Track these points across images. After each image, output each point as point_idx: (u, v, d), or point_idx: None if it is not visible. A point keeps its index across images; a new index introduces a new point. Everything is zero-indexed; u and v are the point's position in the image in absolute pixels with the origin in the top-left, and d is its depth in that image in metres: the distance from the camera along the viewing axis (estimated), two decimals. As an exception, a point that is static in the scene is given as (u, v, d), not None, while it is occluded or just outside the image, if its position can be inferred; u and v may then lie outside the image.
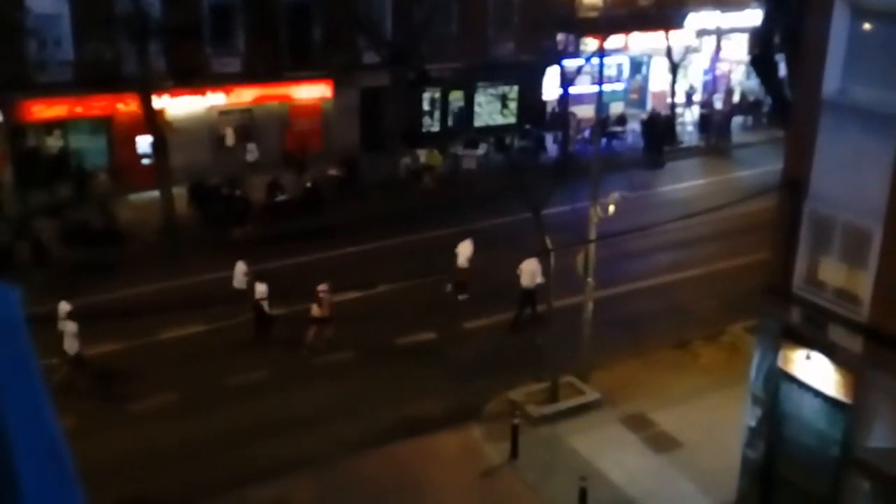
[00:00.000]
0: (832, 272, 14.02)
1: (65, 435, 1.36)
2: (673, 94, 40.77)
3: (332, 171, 33.51)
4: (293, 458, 17.51)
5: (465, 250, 24.43)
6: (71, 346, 19.45)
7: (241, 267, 23.15)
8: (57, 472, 1.30)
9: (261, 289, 21.88)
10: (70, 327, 19.40)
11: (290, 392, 19.96)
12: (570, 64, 36.55)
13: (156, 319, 21.92)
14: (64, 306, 20.20)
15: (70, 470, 1.34)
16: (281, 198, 31.16)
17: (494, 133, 38.64)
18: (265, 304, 21.79)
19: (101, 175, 31.72)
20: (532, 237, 19.97)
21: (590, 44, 36.64)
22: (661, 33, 39.17)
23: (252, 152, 34.00)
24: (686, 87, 43.59)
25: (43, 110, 30.54)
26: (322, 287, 21.24)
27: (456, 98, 39.48)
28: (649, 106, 42.92)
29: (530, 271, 22.81)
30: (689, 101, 43.42)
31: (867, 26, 13.33)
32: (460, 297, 24.14)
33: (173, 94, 31.89)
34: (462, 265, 24.34)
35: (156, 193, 29.64)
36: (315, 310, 21.58)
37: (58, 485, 1.29)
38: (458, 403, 19.54)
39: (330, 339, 21.60)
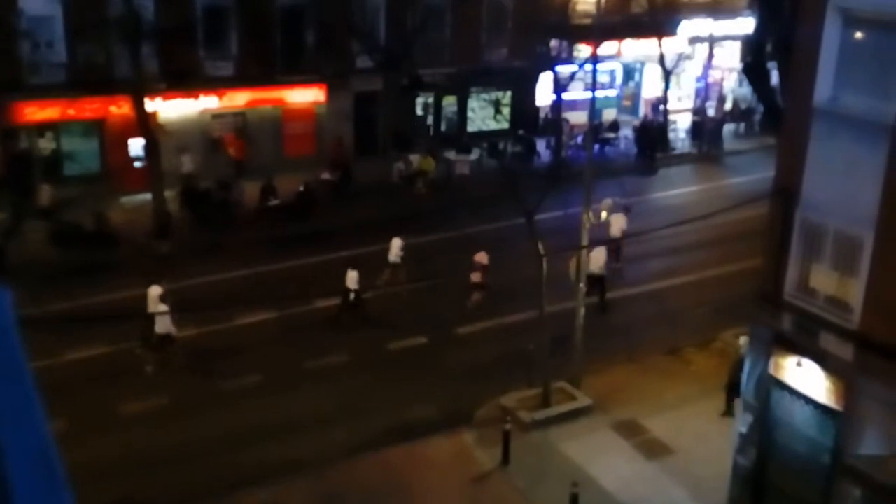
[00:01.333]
0: (823, 280, 14.06)
1: (55, 438, 1.35)
2: (665, 100, 40.88)
3: (325, 176, 33.49)
4: (285, 463, 17.48)
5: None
6: (162, 326, 20.52)
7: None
8: (47, 477, 1.29)
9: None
10: (163, 309, 20.58)
11: (283, 397, 19.91)
12: (564, 70, 36.63)
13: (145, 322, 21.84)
14: (155, 290, 21.28)
15: (60, 475, 1.33)
16: (274, 202, 31.12)
17: (487, 138, 38.68)
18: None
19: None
20: (525, 242, 19.97)
21: (583, 50, 36.75)
22: (654, 40, 39.29)
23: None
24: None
25: (35, 112, 30.47)
26: (479, 256, 23.98)
27: (449, 103, 39.52)
28: (642, 112, 43.02)
29: (597, 258, 23.46)
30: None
31: (859, 35, 13.39)
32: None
33: (166, 97, 31.86)
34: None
35: (148, 196, 29.59)
36: (474, 276, 23.94)
37: (48, 490, 1.28)
38: (450, 409, 19.52)
39: (479, 302, 23.90)
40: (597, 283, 23.83)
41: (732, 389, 18.87)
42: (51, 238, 27.74)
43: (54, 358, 19.85)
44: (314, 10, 34.07)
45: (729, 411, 19.11)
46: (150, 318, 20.80)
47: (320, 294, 23.66)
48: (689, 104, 44.67)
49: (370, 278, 23.99)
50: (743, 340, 18.96)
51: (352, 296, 22.95)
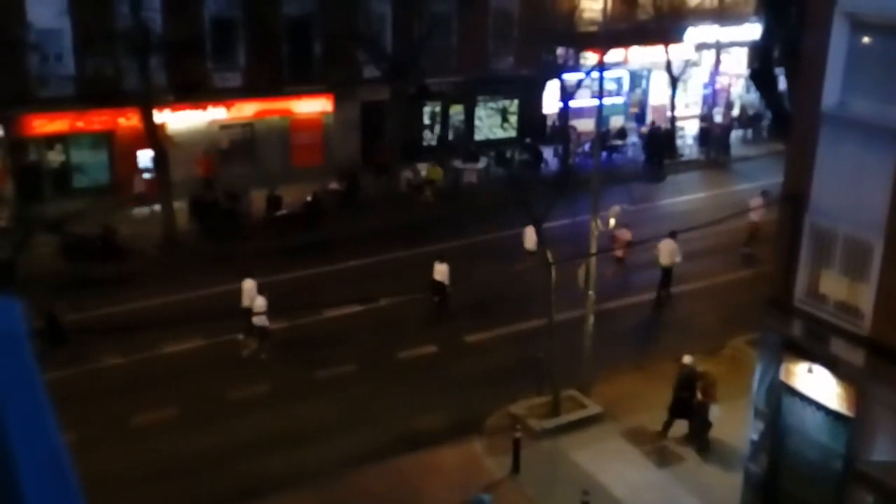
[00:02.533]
0: (833, 285, 14.02)
1: (68, 448, 1.36)
2: (673, 107, 40.85)
3: (333, 185, 33.55)
4: (294, 472, 17.47)
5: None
6: (260, 319, 21.57)
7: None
8: (60, 486, 1.29)
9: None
10: (259, 302, 21.64)
11: (292, 406, 19.91)
12: (570, 78, 36.65)
13: (157, 334, 21.91)
14: (249, 283, 22.31)
15: (74, 484, 1.33)
16: (282, 212, 31.20)
17: (495, 147, 38.69)
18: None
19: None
20: (533, 250, 19.97)
21: (590, 58, 36.71)
22: (660, 47, 39.29)
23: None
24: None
25: (44, 125, 30.62)
26: (621, 233, 25.34)
27: (456, 112, 39.57)
28: (649, 119, 43.00)
29: (668, 251, 23.98)
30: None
31: (866, 40, 13.38)
32: None
33: (174, 109, 31.98)
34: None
35: (157, 207, 29.69)
36: (617, 252, 25.42)
37: (61, 499, 1.29)
38: (460, 417, 19.49)
39: (617, 274, 25.45)
40: (664, 275, 24.65)
41: (675, 409, 18.49)
42: (60, 250, 27.83)
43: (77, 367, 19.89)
44: (321, 20, 34.19)
45: (664, 432, 18.66)
46: (248, 311, 21.94)
47: (328, 304, 23.68)
48: (697, 111, 44.62)
49: (377, 286, 24.01)
50: (688, 359, 18.67)
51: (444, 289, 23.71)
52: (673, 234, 23.58)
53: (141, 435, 18.80)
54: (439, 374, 21.41)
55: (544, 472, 17.62)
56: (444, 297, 24.02)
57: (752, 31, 37.72)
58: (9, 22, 28.04)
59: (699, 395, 18.33)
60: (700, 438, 18.42)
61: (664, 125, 41.02)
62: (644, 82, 44.59)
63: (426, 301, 24.09)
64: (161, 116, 30.55)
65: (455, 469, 17.95)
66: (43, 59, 29.52)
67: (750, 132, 43.33)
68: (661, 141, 39.45)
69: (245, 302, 22.30)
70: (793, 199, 14.48)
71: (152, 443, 18.50)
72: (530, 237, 24.65)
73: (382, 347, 22.45)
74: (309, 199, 31.52)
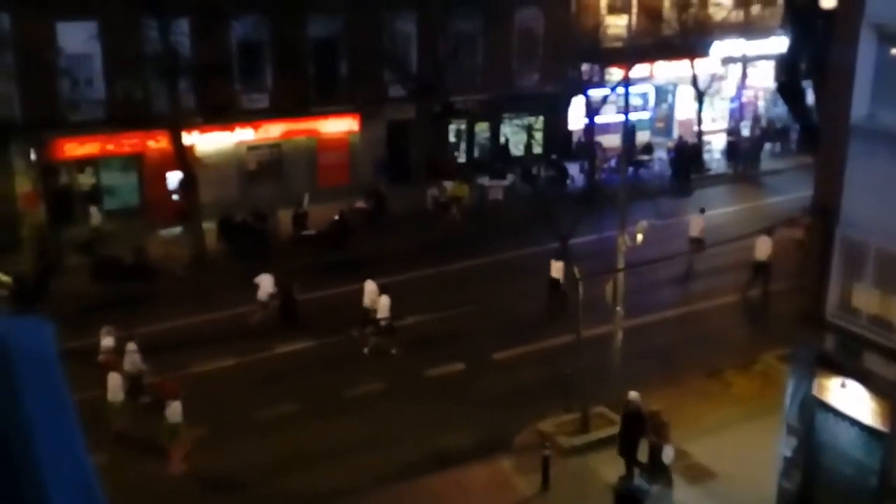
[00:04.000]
0: (866, 298, 13.85)
1: (97, 471, 1.37)
2: (700, 121, 40.69)
3: (360, 204, 33.70)
4: (323, 491, 17.46)
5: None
6: (385, 318, 22.84)
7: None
8: (89, 507, 1.30)
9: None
10: (384, 302, 22.81)
11: (321, 424, 19.93)
12: (596, 93, 36.62)
13: (185, 353, 22.07)
14: (371, 284, 23.58)
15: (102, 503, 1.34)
16: (309, 231, 31.36)
17: (521, 164, 38.71)
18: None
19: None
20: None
21: (615, 73, 36.72)
22: (686, 62, 39.19)
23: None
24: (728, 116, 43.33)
25: (75, 148, 31.04)
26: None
27: (482, 129, 39.65)
28: (675, 134, 42.85)
29: (764, 247, 24.53)
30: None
31: (895, 51, 13.26)
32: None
33: (203, 131, 32.32)
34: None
35: (186, 228, 29.95)
36: (796, 233, 25.57)
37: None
38: (488, 435, 19.41)
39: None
40: (762, 271, 24.83)
41: (629, 451, 17.26)
42: (91, 272, 28.13)
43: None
44: (346, 40, 34.46)
45: (629, 475, 17.31)
46: (368, 311, 23.17)
47: (356, 323, 23.71)
48: (724, 125, 44.41)
49: (405, 305, 24.04)
50: (633, 395, 17.49)
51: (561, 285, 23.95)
52: (768, 231, 24.63)
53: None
54: (467, 392, 21.35)
55: (574, 490, 17.49)
56: (560, 294, 24.14)
57: (779, 44, 37.50)
58: (40, 47, 28.51)
59: (652, 437, 16.94)
60: (657, 477, 16.95)
61: (691, 140, 40.86)
62: (670, 97, 44.49)
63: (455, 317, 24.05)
64: (190, 138, 30.88)
65: (484, 487, 17.86)
66: (73, 83, 29.97)
67: (778, 145, 43.04)
68: (688, 155, 39.27)
69: (366, 302, 23.48)
70: (823, 212, 14.35)
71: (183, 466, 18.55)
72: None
73: (410, 365, 22.44)
74: (336, 217, 31.67)
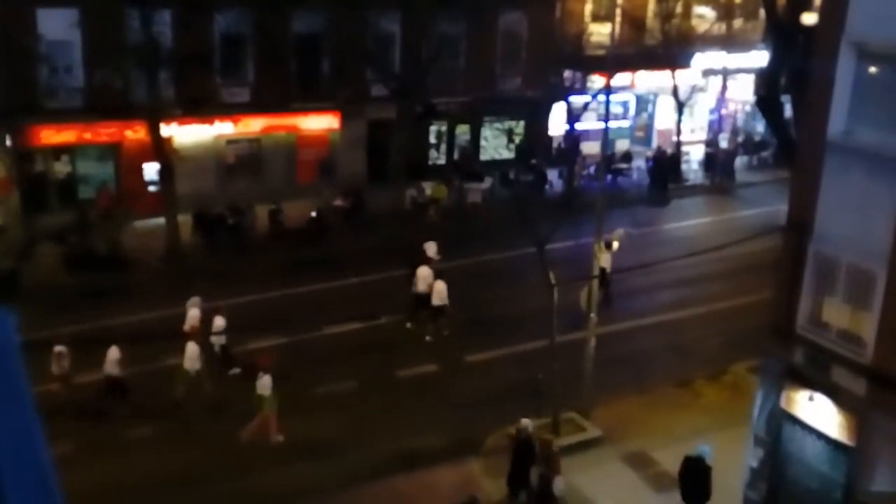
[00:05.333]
0: (836, 313, 13.98)
1: (55, 463, 1.34)
2: (678, 132, 40.93)
3: (338, 202, 33.62)
4: (290, 491, 17.38)
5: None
6: (438, 299, 23.53)
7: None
8: (45, 498, 1.28)
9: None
10: (439, 286, 23.46)
11: (290, 423, 19.81)
12: (577, 100, 36.76)
13: (158, 346, 21.88)
14: (425, 270, 24.29)
15: (58, 496, 1.32)
16: (286, 227, 31.28)
17: (500, 167, 38.76)
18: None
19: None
20: (536, 272, 19.94)
21: (596, 81, 36.86)
22: (667, 72, 39.42)
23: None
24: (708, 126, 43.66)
25: (52, 135, 30.73)
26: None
27: (462, 132, 39.67)
28: (654, 144, 43.09)
29: None
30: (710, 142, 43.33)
31: (873, 69, 13.41)
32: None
33: (181, 123, 32.09)
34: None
35: (161, 220, 29.74)
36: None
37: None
38: (458, 437, 19.41)
39: None
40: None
41: (514, 479, 16.73)
42: (63, 261, 27.86)
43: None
44: (329, 37, 34.35)
45: None
46: (420, 297, 23.74)
47: (329, 320, 23.64)
48: (702, 136, 44.70)
49: (379, 304, 23.99)
50: (525, 422, 17.01)
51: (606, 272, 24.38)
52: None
53: (135, 448, 18.71)
54: (439, 394, 21.35)
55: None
56: (606, 283, 24.65)
57: (760, 58, 37.79)
58: (19, 33, 28.20)
59: (542, 467, 16.32)
60: None
61: (669, 150, 41.10)
62: (650, 106, 44.72)
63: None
64: (168, 130, 30.65)
65: (452, 489, 17.81)
66: (52, 70, 29.68)
67: (755, 158, 43.38)
68: (666, 165, 39.49)
69: (421, 288, 23.94)
70: (797, 227, 14.47)
71: (146, 457, 18.41)
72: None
73: (382, 365, 22.39)
74: (313, 215, 31.57)
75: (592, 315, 19.94)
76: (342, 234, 31.61)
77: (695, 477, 16.01)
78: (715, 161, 41.33)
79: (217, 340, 21.46)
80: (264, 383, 18.80)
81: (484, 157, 40.04)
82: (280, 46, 33.41)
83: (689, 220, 35.35)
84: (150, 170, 31.64)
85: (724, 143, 43.06)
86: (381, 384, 21.67)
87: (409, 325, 24.24)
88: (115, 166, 32.69)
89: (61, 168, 32.09)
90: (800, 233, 14.35)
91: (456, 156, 39.49)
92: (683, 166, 41.20)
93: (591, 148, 39.48)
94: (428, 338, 23.78)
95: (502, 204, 34.05)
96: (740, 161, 42.47)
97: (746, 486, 15.77)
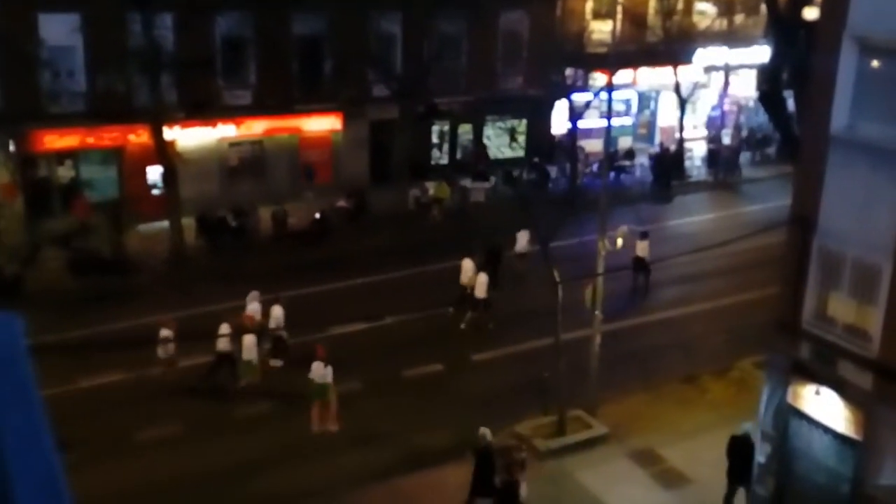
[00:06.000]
0: (842, 308, 13.96)
1: (63, 468, 1.35)
2: (681, 129, 40.89)
3: (341, 203, 33.65)
4: (297, 491, 17.40)
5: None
6: (480, 292, 24.10)
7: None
8: (54, 502, 1.29)
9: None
10: (482, 279, 24.08)
11: (296, 423, 19.85)
12: (579, 98, 36.74)
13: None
14: (468, 262, 25.07)
15: (67, 500, 1.33)
16: (290, 229, 31.31)
17: (503, 166, 38.75)
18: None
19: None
20: (540, 270, 19.94)
21: (598, 78, 36.82)
22: (669, 69, 39.37)
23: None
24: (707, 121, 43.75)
25: (55, 140, 30.76)
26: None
27: (465, 131, 39.66)
28: (657, 140, 43.05)
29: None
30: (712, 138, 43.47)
31: (875, 63, 13.38)
32: None
33: (184, 126, 32.12)
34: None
35: (165, 223, 29.79)
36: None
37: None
38: (465, 436, 19.39)
39: None
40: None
41: (476, 488, 16.54)
42: (68, 265, 27.91)
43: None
44: (331, 39, 34.37)
45: None
46: (466, 289, 24.51)
47: (334, 321, 23.64)
48: (705, 132, 44.66)
49: (384, 304, 23.99)
50: (484, 431, 16.80)
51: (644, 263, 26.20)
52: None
53: (141, 450, 18.74)
54: (445, 393, 21.35)
55: (549, 493, 17.52)
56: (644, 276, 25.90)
57: (761, 53, 37.75)
58: (21, 38, 28.25)
59: (505, 474, 16.33)
60: None
61: (672, 147, 41.05)
62: (653, 103, 44.67)
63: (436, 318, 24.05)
64: (171, 133, 30.69)
65: (459, 489, 17.82)
66: (55, 75, 29.72)
67: (759, 154, 43.33)
68: (669, 162, 39.45)
69: (463, 280, 24.77)
70: (801, 222, 14.45)
71: (152, 459, 18.45)
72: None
73: (388, 365, 22.40)
74: (317, 216, 31.60)
75: (597, 312, 19.93)
76: (346, 235, 31.63)
77: (742, 454, 16.30)
78: (718, 157, 41.28)
79: (274, 331, 22.14)
80: (324, 373, 19.39)
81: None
82: (281, 48, 33.44)
83: (693, 217, 35.31)
84: (154, 173, 31.69)
85: (726, 140, 43.02)
86: (386, 384, 21.67)
87: (450, 309, 24.71)
88: (119, 170, 32.72)
89: (65, 173, 32.13)
90: (804, 228, 14.33)
91: (459, 154, 39.51)
92: (686, 163, 41.16)
93: (593, 146, 39.46)
94: (462, 326, 24.24)
95: (506, 203, 34.03)
96: (743, 157, 42.40)
97: (754, 481, 15.77)
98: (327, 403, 19.53)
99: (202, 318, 24.37)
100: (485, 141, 39.95)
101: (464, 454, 17.20)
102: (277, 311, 22.13)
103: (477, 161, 38.21)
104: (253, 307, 22.60)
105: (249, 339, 21.20)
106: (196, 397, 20.74)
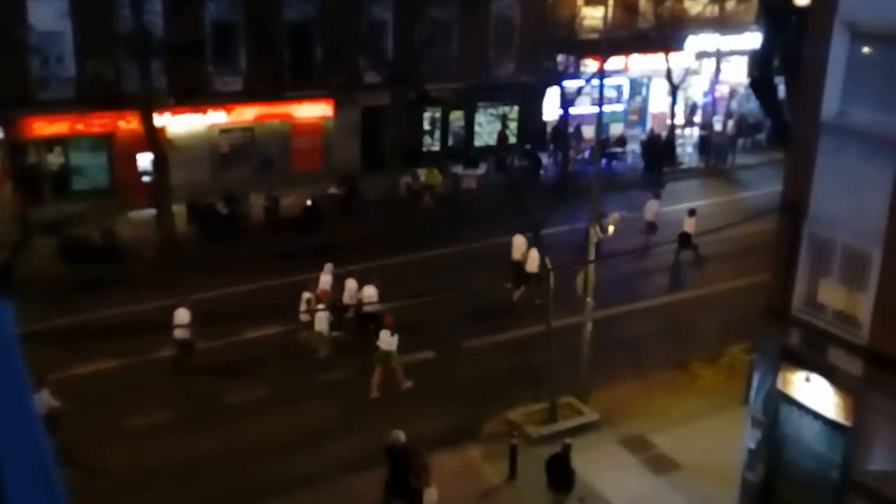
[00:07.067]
0: (832, 294, 14.01)
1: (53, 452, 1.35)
2: (673, 115, 40.89)
3: (333, 190, 33.58)
4: (290, 478, 17.43)
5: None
6: (532, 266, 24.43)
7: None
8: (45, 491, 1.28)
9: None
10: (533, 254, 24.10)
11: (288, 411, 19.88)
12: (571, 85, 36.68)
13: (153, 337, 21.90)
14: (520, 238, 25.28)
15: (58, 488, 1.32)
16: (281, 216, 31.25)
17: (494, 153, 38.72)
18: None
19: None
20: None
21: (590, 65, 36.78)
22: (661, 55, 39.34)
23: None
24: (685, 107, 43.85)
25: (44, 127, 30.60)
26: None
27: (456, 118, 39.59)
28: (649, 127, 43.06)
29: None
30: (690, 121, 43.60)
31: (866, 49, 13.39)
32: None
33: (174, 112, 31.98)
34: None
35: (155, 211, 29.69)
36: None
37: (46, 500, 1.28)
38: (457, 423, 19.46)
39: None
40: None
41: (390, 490, 16.01)
42: (59, 253, 27.82)
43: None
44: (322, 25, 34.23)
45: None
46: (516, 264, 25.13)
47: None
48: (696, 119, 44.67)
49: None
50: (397, 433, 16.40)
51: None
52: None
53: (132, 438, 18.74)
54: (437, 380, 21.37)
55: (541, 479, 17.58)
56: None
57: (753, 40, 37.74)
58: (10, 24, 28.04)
59: (413, 479, 15.94)
60: None
61: (664, 133, 41.06)
62: (644, 90, 44.65)
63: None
64: (161, 120, 30.55)
65: (451, 475, 17.88)
66: (43, 61, 29.53)
67: (750, 141, 43.38)
68: (660, 149, 39.47)
69: (515, 256, 25.20)
70: (792, 208, 14.48)
71: (146, 446, 18.45)
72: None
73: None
74: (308, 203, 31.54)
75: (589, 299, 19.97)
76: (338, 222, 31.59)
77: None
78: (709, 144, 41.31)
79: (350, 301, 23.03)
80: (390, 340, 20.28)
81: (478, 142, 39.99)
82: (272, 34, 33.30)
83: (684, 204, 35.30)
84: (144, 160, 31.56)
85: (718, 126, 43.05)
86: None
87: (509, 285, 25.24)
88: (109, 157, 32.59)
89: (54, 160, 31.98)
90: (795, 214, 14.36)
91: (451, 141, 39.43)
92: (678, 150, 41.18)
93: (584, 132, 39.44)
94: (538, 301, 23.90)
95: (497, 189, 34.02)
96: (735, 143, 42.43)
97: (744, 467, 15.84)
98: (390, 369, 20.41)
99: (192, 306, 24.34)
100: (476, 128, 39.90)
101: (378, 459, 16.63)
102: (352, 284, 22.96)
103: (500, 145, 38.53)
104: (325, 279, 23.38)
105: (322, 312, 22.01)
106: (216, 378, 20.83)
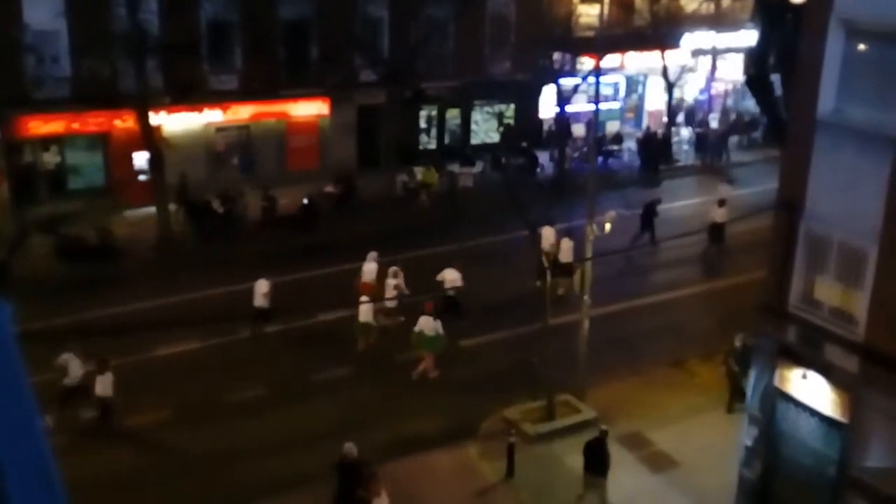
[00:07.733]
0: (828, 291, 14.03)
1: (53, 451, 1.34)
2: (669, 112, 40.92)
3: (329, 189, 33.56)
4: (289, 476, 17.41)
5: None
6: (566, 256, 24.67)
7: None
8: (45, 490, 1.28)
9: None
10: (565, 245, 24.57)
11: (287, 409, 19.87)
12: (567, 83, 36.69)
13: (150, 336, 21.88)
14: (549, 230, 25.33)
15: (58, 488, 1.32)
16: (277, 215, 31.23)
17: (491, 151, 38.74)
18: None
19: None
20: (528, 255, 19.95)
21: (586, 63, 36.80)
22: (657, 53, 39.37)
23: None
24: (678, 104, 43.91)
25: (40, 126, 30.56)
26: None
27: (452, 116, 39.59)
28: (645, 124, 43.09)
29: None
30: (686, 120, 43.62)
31: (862, 46, 13.40)
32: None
33: (170, 111, 31.95)
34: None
35: (152, 209, 29.66)
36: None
37: (46, 500, 1.28)
38: (454, 421, 19.46)
39: None
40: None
41: (340, 502, 15.81)
42: (55, 252, 27.78)
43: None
44: (318, 23, 34.21)
45: None
46: (548, 254, 24.21)
47: (322, 307, 23.63)
48: (680, 119, 44.72)
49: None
50: (348, 446, 16.09)
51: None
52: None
53: (131, 437, 18.73)
54: (434, 379, 21.37)
55: (538, 477, 17.61)
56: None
57: (748, 37, 37.76)
58: (5, 23, 28.00)
59: (361, 491, 15.61)
60: None
61: (660, 131, 41.09)
62: (640, 87, 44.68)
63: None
64: (157, 118, 30.52)
65: (449, 474, 17.92)
66: (39, 60, 29.46)
67: (746, 138, 43.41)
68: (656, 146, 39.50)
69: (545, 246, 24.70)
70: (788, 206, 14.49)
71: (143, 445, 18.44)
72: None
73: (377, 350, 22.41)
74: (305, 202, 31.52)
75: (586, 297, 19.97)
76: (334, 220, 31.57)
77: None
78: (705, 141, 41.35)
79: (396, 291, 23.12)
80: (434, 325, 20.75)
81: (474, 140, 39.99)
82: (268, 33, 33.27)
83: (681, 201, 35.33)
84: (140, 159, 31.52)
85: (714, 124, 43.08)
86: (376, 369, 21.69)
87: (538, 283, 24.38)
88: (104, 156, 32.56)
89: (50, 158, 31.95)
90: (791, 211, 14.37)
91: (447, 139, 39.42)
92: (674, 147, 41.21)
93: (580, 130, 39.48)
94: (560, 291, 24.21)
95: (493, 188, 34.03)
96: (731, 141, 42.46)
97: (741, 464, 15.86)
98: (439, 355, 20.97)
99: (189, 304, 24.35)
100: (472, 126, 39.90)
101: (330, 471, 16.25)
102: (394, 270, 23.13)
103: (503, 142, 38.74)
104: (369, 268, 23.62)
105: (367, 304, 22.41)
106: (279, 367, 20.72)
